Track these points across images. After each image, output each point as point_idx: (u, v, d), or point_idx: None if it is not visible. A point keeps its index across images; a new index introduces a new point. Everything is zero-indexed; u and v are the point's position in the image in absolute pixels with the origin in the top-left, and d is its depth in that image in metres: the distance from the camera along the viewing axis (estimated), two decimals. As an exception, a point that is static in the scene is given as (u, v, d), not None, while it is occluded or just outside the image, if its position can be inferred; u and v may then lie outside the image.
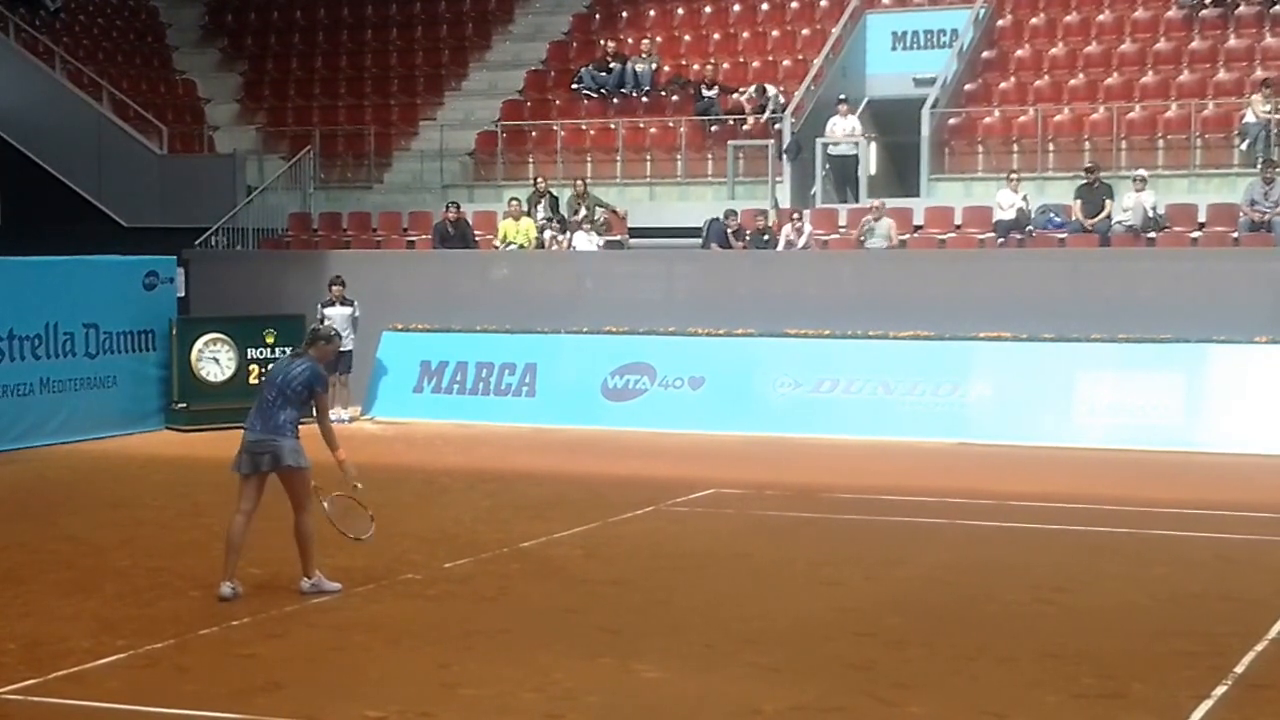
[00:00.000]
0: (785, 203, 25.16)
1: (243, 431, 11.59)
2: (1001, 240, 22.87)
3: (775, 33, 29.00)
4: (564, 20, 30.90)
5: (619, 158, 27.23)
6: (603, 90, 28.28)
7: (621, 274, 24.05)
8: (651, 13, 30.29)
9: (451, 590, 11.90)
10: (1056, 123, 25.25)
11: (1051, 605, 11.36)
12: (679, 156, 26.96)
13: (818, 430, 20.42)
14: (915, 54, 27.48)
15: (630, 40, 29.44)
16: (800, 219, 23.84)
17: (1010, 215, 22.92)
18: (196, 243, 25.57)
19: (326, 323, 22.12)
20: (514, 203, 24.93)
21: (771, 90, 26.56)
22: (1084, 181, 23.07)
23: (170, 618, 10.87)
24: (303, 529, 11.52)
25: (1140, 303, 20.84)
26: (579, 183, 25.53)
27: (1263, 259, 21.30)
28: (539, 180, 25.92)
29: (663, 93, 27.92)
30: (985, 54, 27.16)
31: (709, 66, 27.81)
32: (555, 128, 27.86)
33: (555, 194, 25.73)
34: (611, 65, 28.42)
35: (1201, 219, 22.75)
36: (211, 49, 32.91)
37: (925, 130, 25.19)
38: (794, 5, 29.44)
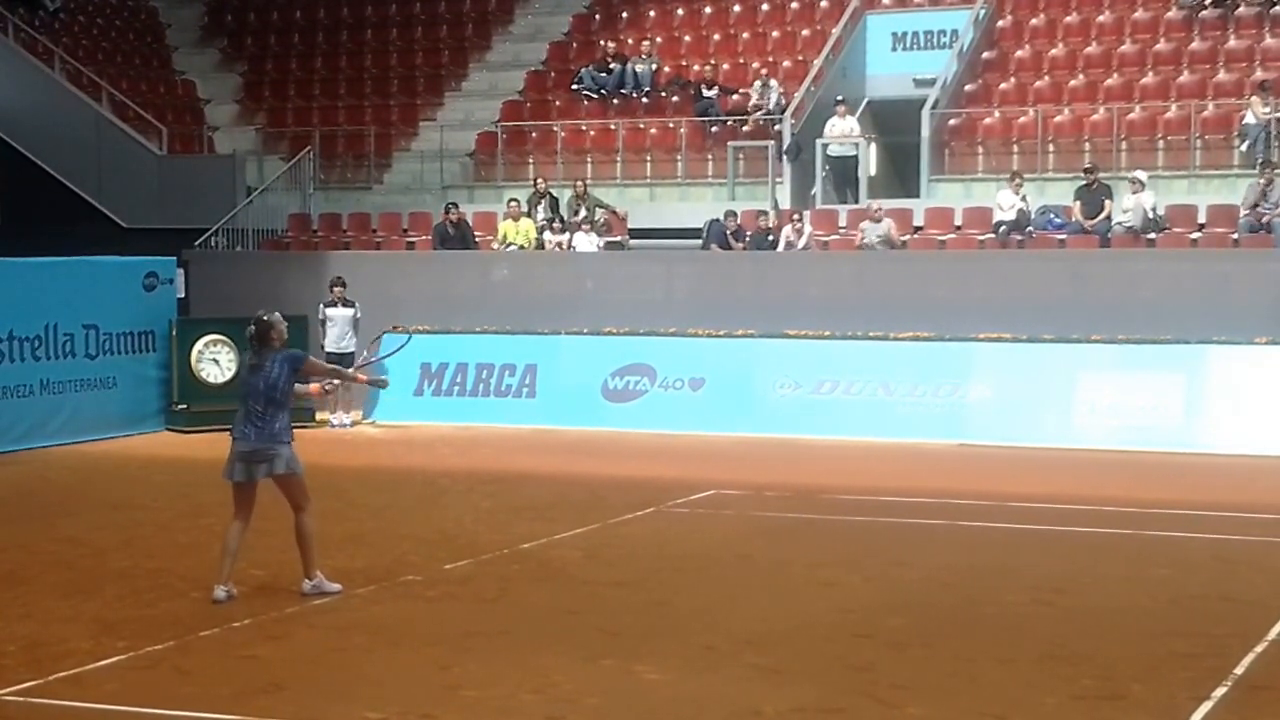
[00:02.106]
0: (785, 203, 25.17)
1: (231, 439, 11.48)
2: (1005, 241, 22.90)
3: (775, 33, 29.01)
4: (564, 20, 30.90)
5: (619, 158, 27.23)
6: (603, 91, 28.27)
7: (621, 275, 24.04)
8: (651, 13, 30.29)
9: (452, 592, 11.90)
10: (1056, 123, 25.25)
11: (1051, 607, 11.36)
12: (679, 157, 26.96)
13: (818, 431, 20.42)
14: (915, 54, 27.51)
15: (630, 41, 29.44)
16: (800, 220, 23.85)
17: (1010, 216, 22.92)
18: (196, 243, 25.57)
19: (328, 324, 22.21)
20: (514, 203, 24.92)
21: (774, 84, 26.57)
22: (1083, 183, 23.07)
23: (170, 619, 10.87)
24: (303, 530, 11.51)
25: (1140, 303, 20.84)
26: (579, 183, 25.54)
27: (1263, 260, 21.31)
28: (539, 181, 25.91)
29: (663, 93, 27.92)
30: (985, 55, 27.17)
31: (709, 67, 27.81)
32: (555, 128, 27.85)
33: (555, 195, 25.73)
34: (611, 66, 28.42)
35: (1201, 220, 22.75)
36: (211, 49, 32.92)
37: (925, 131, 25.20)
38: (794, 6, 29.45)
